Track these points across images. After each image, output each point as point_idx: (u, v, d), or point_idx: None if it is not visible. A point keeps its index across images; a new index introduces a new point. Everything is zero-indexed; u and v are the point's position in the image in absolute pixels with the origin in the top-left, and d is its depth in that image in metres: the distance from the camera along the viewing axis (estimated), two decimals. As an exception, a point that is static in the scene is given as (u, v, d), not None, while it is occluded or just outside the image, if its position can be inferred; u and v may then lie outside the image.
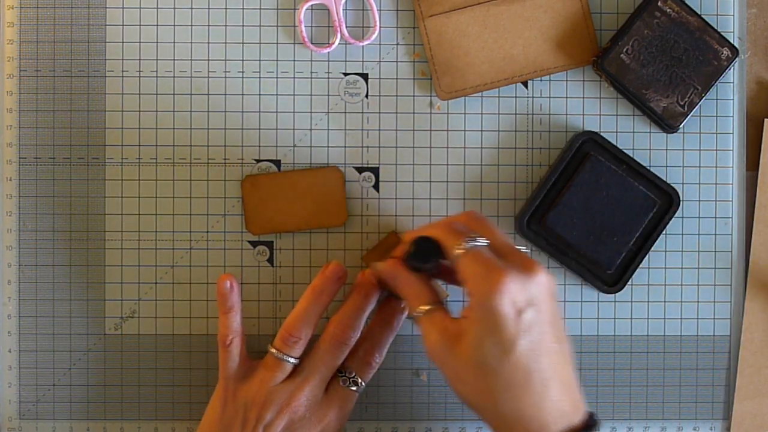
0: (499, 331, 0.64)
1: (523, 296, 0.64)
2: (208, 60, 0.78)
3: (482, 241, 0.67)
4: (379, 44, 0.79)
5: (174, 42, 0.78)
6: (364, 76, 0.79)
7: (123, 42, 0.78)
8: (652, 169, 0.77)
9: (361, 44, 0.78)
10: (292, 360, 0.72)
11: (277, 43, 0.78)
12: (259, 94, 0.78)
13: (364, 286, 0.74)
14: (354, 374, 0.74)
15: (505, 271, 0.64)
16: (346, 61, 0.79)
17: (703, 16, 0.77)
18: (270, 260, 0.79)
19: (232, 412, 0.72)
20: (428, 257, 0.69)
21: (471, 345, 0.64)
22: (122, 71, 0.78)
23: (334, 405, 0.73)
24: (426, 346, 0.67)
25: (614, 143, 0.77)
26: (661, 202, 0.77)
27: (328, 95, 0.79)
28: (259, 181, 0.77)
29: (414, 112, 0.79)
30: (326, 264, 0.73)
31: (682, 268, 0.79)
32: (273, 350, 0.72)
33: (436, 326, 0.67)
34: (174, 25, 0.78)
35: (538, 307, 0.65)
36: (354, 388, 0.74)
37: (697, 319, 0.79)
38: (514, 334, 0.64)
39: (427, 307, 0.68)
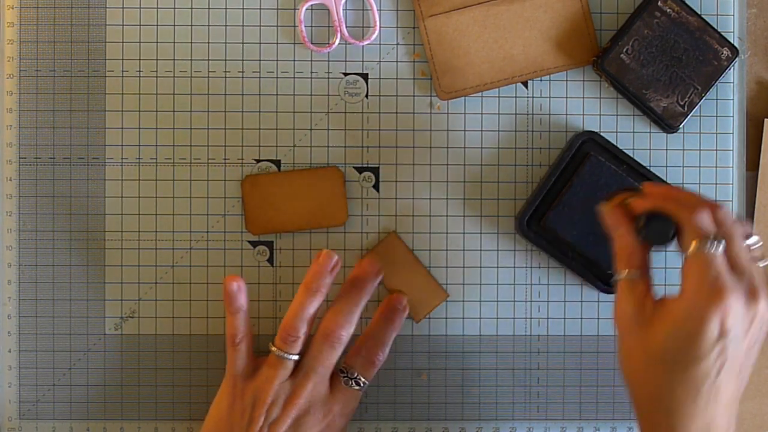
0: (694, 343, 0.62)
1: (733, 322, 0.63)
2: (208, 60, 0.78)
3: (721, 248, 0.64)
4: (379, 44, 0.79)
5: (174, 42, 0.78)
6: (364, 76, 0.79)
7: (123, 42, 0.78)
8: (652, 169, 0.77)
9: (361, 44, 0.78)
10: (292, 357, 0.72)
11: (277, 43, 0.78)
12: (259, 94, 0.78)
13: (357, 280, 0.74)
14: (356, 374, 0.74)
15: (730, 291, 0.63)
16: (346, 61, 0.79)
17: (703, 16, 0.77)
18: (270, 260, 0.79)
19: (240, 409, 0.72)
20: (660, 239, 0.66)
21: (660, 337, 0.63)
22: (122, 71, 0.78)
23: (338, 403, 0.73)
24: (616, 311, 0.66)
25: (614, 143, 0.77)
26: (661, 202, 0.77)
27: (328, 95, 0.79)
28: (259, 181, 0.77)
29: (414, 112, 0.79)
30: (318, 253, 0.73)
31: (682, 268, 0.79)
32: (274, 349, 0.72)
33: (636, 297, 0.65)
34: (174, 25, 0.78)
35: (741, 335, 0.63)
36: (357, 387, 0.74)
37: (697, 319, 0.79)
38: (705, 353, 0.63)
39: (633, 272, 0.66)
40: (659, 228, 0.66)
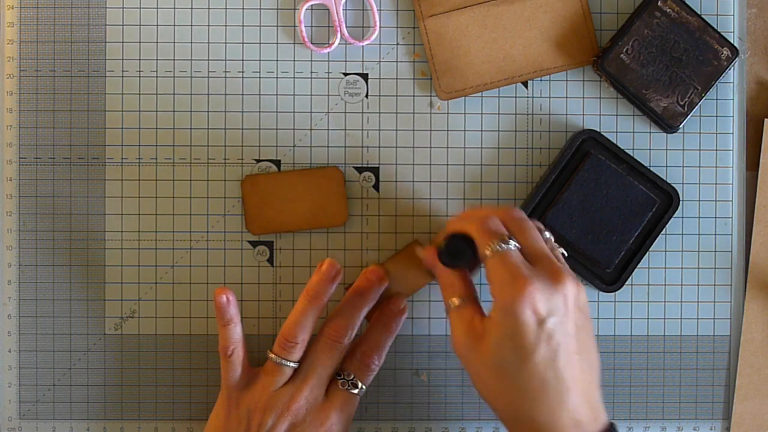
0: (519, 337, 0.64)
1: (545, 306, 0.64)
2: (208, 60, 0.78)
3: (513, 245, 0.67)
4: (379, 44, 0.79)
5: (174, 42, 0.78)
6: (364, 76, 0.79)
7: (123, 42, 0.78)
8: (652, 169, 0.77)
9: (361, 44, 0.78)
10: (291, 364, 0.72)
11: (277, 43, 0.78)
12: (259, 94, 0.78)
13: (360, 288, 0.74)
14: (353, 377, 0.74)
15: (530, 279, 0.65)
16: (346, 61, 0.79)
17: (703, 16, 0.77)
18: (270, 260, 0.79)
19: (236, 421, 0.72)
20: (459, 256, 0.69)
21: (491, 347, 0.65)
22: (122, 71, 0.78)
23: (335, 408, 0.73)
24: (452, 339, 0.68)
25: (614, 142, 0.77)
26: (661, 201, 0.77)
27: (328, 95, 0.79)
28: (259, 181, 0.77)
29: (414, 112, 0.79)
30: (320, 262, 0.73)
31: (682, 268, 0.79)
32: (272, 355, 0.72)
33: (464, 322, 0.67)
34: (174, 25, 0.78)
35: (561, 318, 0.65)
36: (354, 391, 0.73)
37: (697, 319, 0.79)
38: (533, 343, 0.64)
39: (457, 301, 0.68)
40: (455, 247, 0.69)
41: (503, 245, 0.66)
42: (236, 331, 0.73)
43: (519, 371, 0.64)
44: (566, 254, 0.72)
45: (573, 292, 0.66)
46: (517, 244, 0.67)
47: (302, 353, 0.72)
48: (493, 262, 0.66)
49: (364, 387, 0.74)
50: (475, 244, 0.68)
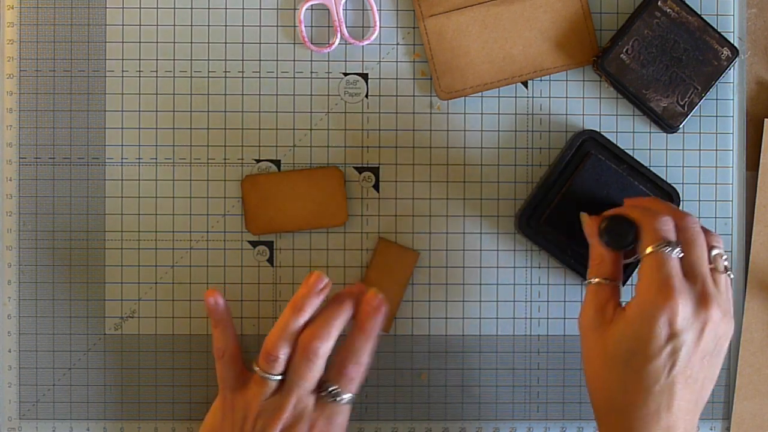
0: (643, 342, 0.64)
1: (682, 323, 0.64)
2: (208, 60, 0.78)
3: (676, 253, 0.66)
4: (379, 44, 0.79)
5: (174, 42, 0.78)
6: (364, 76, 0.79)
7: (123, 42, 0.78)
8: (652, 169, 0.77)
9: (361, 44, 0.78)
10: (274, 377, 0.71)
11: (277, 43, 0.78)
12: (259, 94, 0.78)
13: (339, 295, 0.72)
14: (334, 388, 0.71)
15: (679, 291, 0.64)
16: (346, 61, 0.79)
17: (703, 16, 0.77)
18: (270, 260, 0.79)
19: (230, 423, 0.71)
20: (620, 240, 0.69)
21: (614, 337, 0.65)
22: (122, 71, 0.78)
23: (322, 417, 0.71)
24: (580, 314, 0.68)
25: (614, 143, 0.77)
26: (661, 201, 0.77)
27: (328, 95, 0.79)
28: (259, 181, 0.77)
29: (414, 112, 0.79)
30: (308, 275, 0.72)
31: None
32: (256, 368, 0.71)
33: (599, 301, 0.68)
34: (174, 25, 0.78)
35: (692, 341, 0.65)
36: (339, 400, 0.71)
37: (697, 319, 0.79)
38: (654, 352, 0.64)
39: (597, 280, 0.69)
40: (618, 231, 0.69)
41: (667, 249, 0.66)
42: (227, 333, 0.73)
43: (628, 373, 0.65)
44: (732, 277, 0.70)
45: (715, 321, 0.65)
46: (680, 254, 0.66)
47: (285, 366, 0.71)
48: (650, 259, 0.66)
49: (351, 395, 0.71)
50: (640, 234, 0.67)
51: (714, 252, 0.69)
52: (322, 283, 0.71)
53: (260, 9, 0.78)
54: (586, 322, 0.68)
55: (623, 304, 0.67)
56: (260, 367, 0.71)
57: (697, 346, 0.65)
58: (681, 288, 0.65)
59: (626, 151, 0.77)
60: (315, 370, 0.71)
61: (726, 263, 0.69)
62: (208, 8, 0.78)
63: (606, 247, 0.69)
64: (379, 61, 0.79)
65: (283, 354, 0.70)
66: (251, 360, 0.74)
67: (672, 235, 0.67)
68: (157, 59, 0.78)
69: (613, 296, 0.68)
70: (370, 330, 0.71)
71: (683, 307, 0.64)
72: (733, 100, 0.79)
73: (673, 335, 0.64)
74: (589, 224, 0.71)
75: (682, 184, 0.79)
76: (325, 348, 0.70)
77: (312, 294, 0.71)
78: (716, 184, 0.79)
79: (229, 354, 0.73)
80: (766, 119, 0.79)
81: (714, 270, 0.68)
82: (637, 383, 0.65)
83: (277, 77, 0.78)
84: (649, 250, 0.66)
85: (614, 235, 0.69)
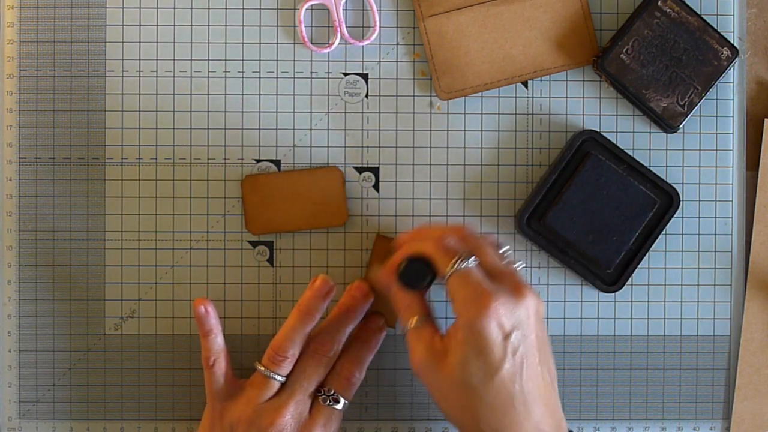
0: (485, 353, 0.65)
1: (509, 320, 0.65)
2: (208, 60, 0.78)
3: (473, 261, 0.68)
4: (379, 44, 0.79)
5: (174, 42, 0.78)
6: (364, 76, 0.79)
7: (123, 42, 0.78)
8: (652, 169, 0.77)
9: (361, 44, 0.78)
10: (279, 378, 0.72)
11: (277, 43, 0.78)
12: (259, 94, 0.78)
13: (347, 303, 0.74)
14: (333, 392, 0.73)
15: (493, 294, 0.65)
16: (346, 61, 0.79)
17: (703, 16, 0.77)
18: (270, 260, 0.79)
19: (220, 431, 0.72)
20: (420, 278, 0.70)
21: (456, 365, 0.66)
22: (122, 71, 0.78)
23: (319, 424, 0.72)
24: (411, 360, 0.69)
25: (614, 143, 0.77)
26: (661, 201, 0.77)
27: (328, 95, 0.79)
28: (259, 181, 0.77)
29: (414, 112, 0.79)
30: (313, 279, 0.73)
31: (682, 268, 0.79)
32: (261, 368, 0.72)
33: (424, 342, 0.68)
34: (174, 25, 0.78)
35: (525, 331, 0.66)
36: (337, 406, 0.73)
37: (697, 319, 0.79)
38: (499, 358, 0.65)
39: (416, 322, 0.69)
40: (415, 269, 0.70)
41: (463, 263, 0.67)
42: (217, 342, 0.73)
43: (486, 387, 0.65)
44: (525, 265, 0.74)
45: (534, 304, 0.67)
46: (476, 261, 0.68)
47: (291, 368, 0.72)
48: (454, 280, 0.67)
49: (346, 402, 0.73)
50: (433, 264, 0.69)
51: (501, 250, 0.71)
52: (327, 287, 0.72)
53: (260, 9, 0.78)
54: (422, 364, 0.68)
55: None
56: (266, 366, 0.72)
57: (531, 333, 0.66)
58: (493, 289, 0.66)
59: (626, 151, 0.77)
60: (321, 374, 0.72)
61: (513, 257, 0.73)
62: (208, 8, 0.78)
63: (410, 290, 0.70)
64: (379, 61, 0.79)
65: (291, 354, 0.71)
66: (254, 359, 0.74)
67: (459, 248, 0.68)
68: (157, 59, 0.78)
69: (435, 331, 0.69)
70: (374, 345, 0.76)
71: (504, 305, 0.65)
72: (733, 100, 0.79)
73: (507, 336, 0.65)
74: (382, 277, 0.72)
75: (682, 184, 0.79)
76: (334, 352, 0.72)
77: (318, 297, 0.72)
78: (716, 184, 0.79)
79: (218, 363, 0.73)
80: (766, 119, 0.79)
81: (509, 264, 0.70)
82: (497, 393, 0.65)
83: (277, 77, 0.78)
84: (448, 272, 0.67)
85: (413, 276, 0.70)
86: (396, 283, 0.70)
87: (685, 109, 0.77)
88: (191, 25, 0.78)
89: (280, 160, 0.78)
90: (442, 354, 0.67)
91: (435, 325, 0.69)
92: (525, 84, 0.79)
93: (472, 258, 0.68)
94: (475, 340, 0.65)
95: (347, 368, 0.73)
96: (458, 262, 0.67)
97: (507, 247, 0.73)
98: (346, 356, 0.74)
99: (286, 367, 0.72)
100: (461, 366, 0.65)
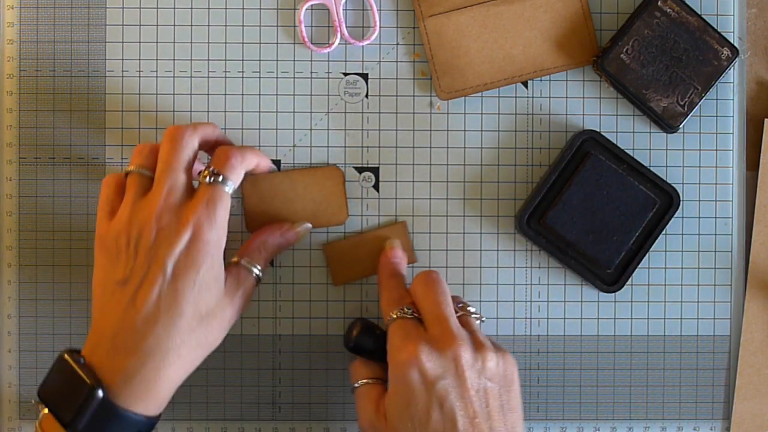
0: (412, 404, 0.64)
1: (433, 368, 0.65)
2: (208, 60, 0.78)
3: (410, 311, 0.68)
4: (379, 44, 0.79)
5: (174, 42, 0.78)
6: (364, 76, 0.79)
7: (123, 42, 0.78)
8: (652, 169, 0.77)
9: (361, 44, 0.78)
10: (145, 171, 0.69)
11: (277, 43, 0.78)
12: (259, 94, 0.78)
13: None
14: (215, 169, 0.69)
15: (418, 342, 0.65)
16: (346, 61, 0.79)
17: (703, 16, 0.77)
18: (270, 260, 0.79)
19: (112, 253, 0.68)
20: (364, 346, 0.71)
21: (392, 422, 0.65)
22: (122, 71, 0.78)
23: (202, 204, 0.67)
24: (360, 420, 0.69)
25: (614, 143, 0.77)
26: (661, 201, 0.77)
27: (328, 95, 0.79)
28: (258, 181, 0.77)
29: (414, 112, 0.79)
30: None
31: (682, 268, 0.79)
32: (131, 168, 0.70)
33: (371, 401, 0.68)
34: (174, 25, 0.78)
35: (453, 381, 0.64)
36: (221, 182, 0.68)
37: (697, 319, 0.79)
38: (424, 408, 0.64)
39: (364, 381, 0.70)
40: (361, 338, 0.71)
41: (402, 312, 0.68)
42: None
43: None
44: (484, 320, 0.74)
45: (467, 357, 0.65)
46: (416, 312, 0.68)
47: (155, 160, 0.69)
48: (392, 328, 0.68)
49: (232, 184, 0.69)
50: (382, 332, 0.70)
51: (461, 304, 0.71)
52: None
53: (260, 9, 0.78)
54: (368, 422, 0.67)
55: None
56: (134, 166, 0.70)
57: (463, 384, 0.65)
58: (419, 337, 0.65)
59: (626, 151, 0.77)
60: (182, 153, 0.69)
61: (473, 310, 0.71)
62: (208, 8, 0.78)
63: (352, 350, 0.71)
64: (379, 61, 0.79)
65: (152, 146, 0.70)
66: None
67: (405, 296, 0.69)
68: (157, 59, 0.78)
69: (383, 391, 0.68)
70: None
71: (426, 353, 0.64)
72: (733, 100, 0.79)
73: (430, 383, 0.64)
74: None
75: (682, 184, 0.79)
76: (190, 136, 0.69)
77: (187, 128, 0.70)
78: (716, 184, 0.79)
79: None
80: (766, 119, 0.79)
81: (464, 315, 0.70)
82: None
83: (277, 77, 0.78)
84: (388, 318, 0.68)
85: (360, 344, 0.71)
86: (347, 349, 0.71)
87: (685, 109, 0.77)
88: (191, 25, 0.78)
89: (280, 160, 0.78)
90: (384, 413, 0.67)
91: (384, 386, 0.69)
92: (525, 84, 0.79)
93: (411, 308, 0.68)
94: (402, 391, 0.65)
95: (222, 152, 0.70)
96: (398, 310, 0.68)
97: (467, 305, 0.72)
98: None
99: (149, 159, 0.69)
100: (396, 422, 0.65)
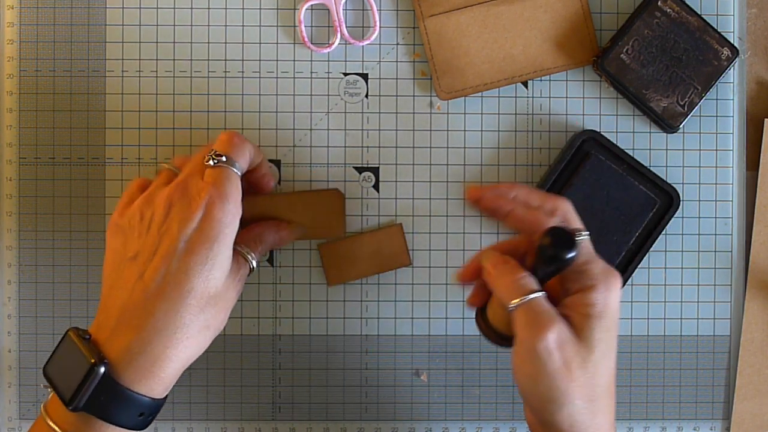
0: (614, 330, 0.64)
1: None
2: (208, 60, 0.78)
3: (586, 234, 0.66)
4: (379, 44, 0.79)
5: (174, 42, 0.78)
6: (364, 76, 0.79)
7: (123, 42, 0.78)
8: (652, 169, 0.77)
9: (361, 44, 0.78)
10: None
11: (277, 43, 0.78)
12: (259, 94, 0.78)
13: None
14: (218, 152, 0.68)
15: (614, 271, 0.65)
16: (346, 61, 0.79)
17: (703, 16, 0.77)
18: (270, 260, 0.79)
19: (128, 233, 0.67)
20: (569, 246, 0.63)
21: (595, 344, 0.63)
22: (122, 71, 0.78)
23: (209, 183, 0.67)
24: (524, 332, 0.63)
25: (614, 143, 0.77)
26: (661, 201, 0.77)
27: (328, 95, 0.79)
28: (258, 202, 0.75)
29: (414, 112, 0.79)
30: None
31: (682, 268, 0.79)
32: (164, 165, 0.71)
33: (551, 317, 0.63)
34: (174, 25, 0.78)
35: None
36: (226, 163, 0.67)
37: (697, 319, 0.79)
38: (615, 338, 0.64)
39: (532, 296, 0.63)
40: (563, 234, 0.63)
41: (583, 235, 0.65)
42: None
43: (608, 372, 0.64)
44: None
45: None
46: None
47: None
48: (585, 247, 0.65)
49: (239, 165, 0.68)
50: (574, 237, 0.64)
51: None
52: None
53: (260, 9, 0.78)
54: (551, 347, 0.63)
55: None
56: (169, 165, 0.70)
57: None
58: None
59: (626, 151, 0.77)
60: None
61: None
62: (208, 8, 0.78)
63: (555, 258, 0.64)
64: (379, 61, 0.79)
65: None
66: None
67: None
68: (157, 59, 0.78)
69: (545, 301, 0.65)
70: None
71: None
72: (733, 100, 0.79)
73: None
74: (492, 260, 0.66)
75: (682, 184, 0.79)
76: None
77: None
78: (716, 184, 0.79)
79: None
80: (766, 119, 0.79)
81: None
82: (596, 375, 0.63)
83: (277, 77, 0.78)
84: (579, 238, 0.64)
85: (562, 243, 0.63)
86: (536, 257, 0.64)
87: (685, 109, 0.77)
88: (191, 25, 0.78)
89: (280, 160, 0.78)
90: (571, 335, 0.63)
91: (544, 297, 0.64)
92: (525, 84, 0.79)
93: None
94: (613, 315, 0.64)
95: (226, 134, 0.69)
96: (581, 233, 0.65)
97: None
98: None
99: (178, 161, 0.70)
100: (598, 344, 0.63)
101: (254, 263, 0.71)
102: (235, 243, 0.68)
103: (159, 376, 0.64)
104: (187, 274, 0.64)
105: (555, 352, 0.62)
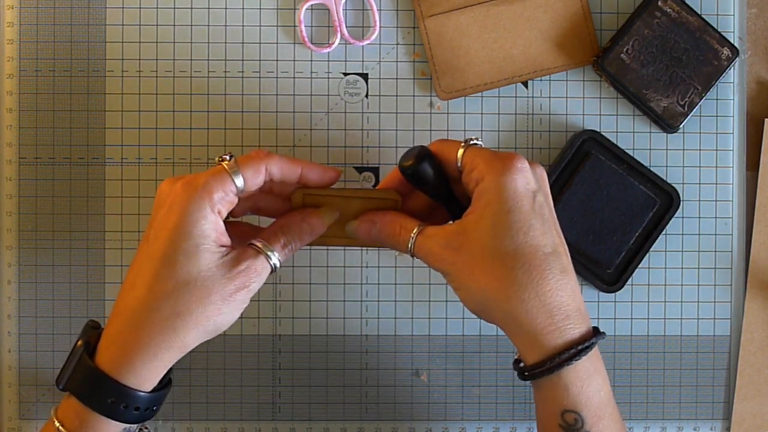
0: (518, 209, 0.63)
1: (533, 179, 0.64)
2: (208, 60, 0.78)
3: (480, 142, 0.66)
4: (379, 44, 0.79)
5: (174, 42, 0.78)
6: (364, 76, 0.79)
7: (123, 42, 0.78)
8: (652, 169, 0.77)
9: (361, 44, 0.78)
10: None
11: (277, 43, 0.78)
12: (259, 94, 0.78)
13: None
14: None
15: (514, 154, 0.64)
16: (346, 61, 0.79)
17: (703, 16, 0.77)
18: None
19: None
20: (427, 173, 0.66)
21: (485, 232, 0.62)
22: (122, 71, 0.78)
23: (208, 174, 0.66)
24: (429, 259, 0.65)
25: (614, 143, 0.77)
26: (661, 201, 0.77)
27: (328, 95, 0.79)
28: (311, 195, 0.69)
29: (414, 112, 0.79)
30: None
31: (682, 268, 0.79)
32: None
33: (436, 236, 0.65)
34: (174, 25, 0.78)
35: (546, 196, 0.65)
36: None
37: (697, 319, 0.79)
38: (530, 214, 0.63)
39: (416, 229, 0.65)
40: (423, 153, 0.66)
41: (473, 142, 0.66)
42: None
43: (522, 247, 0.62)
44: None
45: (546, 175, 0.66)
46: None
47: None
48: (471, 152, 0.65)
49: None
50: (440, 158, 0.66)
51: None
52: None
53: (260, 9, 0.78)
54: (442, 255, 0.64)
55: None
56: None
57: (549, 200, 0.65)
58: (506, 153, 0.64)
59: (626, 151, 0.77)
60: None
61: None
62: (208, 8, 0.78)
63: (416, 175, 0.66)
64: (379, 61, 0.79)
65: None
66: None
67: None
68: (157, 59, 0.78)
69: (440, 225, 0.66)
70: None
71: (526, 164, 0.64)
72: (733, 100, 0.79)
73: (533, 192, 0.64)
74: (364, 218, 0.68)
75: (682, 184, 0.79)
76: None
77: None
78: (716, 184, 0.79)
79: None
80: (766, 119, 0.79)
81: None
82: (533, 253, 0.63)
83: (277, 77, 0.78)
84: (460, 149, 0.65)
85: (420, 171, 0.66)
86: (403, 179, 0.67)
87: (686, 109, 0.77)
88: (191, 25, 0.78)
89: (280, 160, 0.78)
90: (463, 233, 0.63)
91: (433, 222, 0.67)
92: (525, 84, 0.79)
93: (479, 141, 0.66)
94: (507, 196, 0.63)
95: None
96: (468, 143, 0.66)
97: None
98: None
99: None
100: (492, 230, 0.62)
101: (276, 260, 0.67)
102: (254, 238, 0.67)
103: (133, 364, 0.63)
104: (151, 258, 0.64)
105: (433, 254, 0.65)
